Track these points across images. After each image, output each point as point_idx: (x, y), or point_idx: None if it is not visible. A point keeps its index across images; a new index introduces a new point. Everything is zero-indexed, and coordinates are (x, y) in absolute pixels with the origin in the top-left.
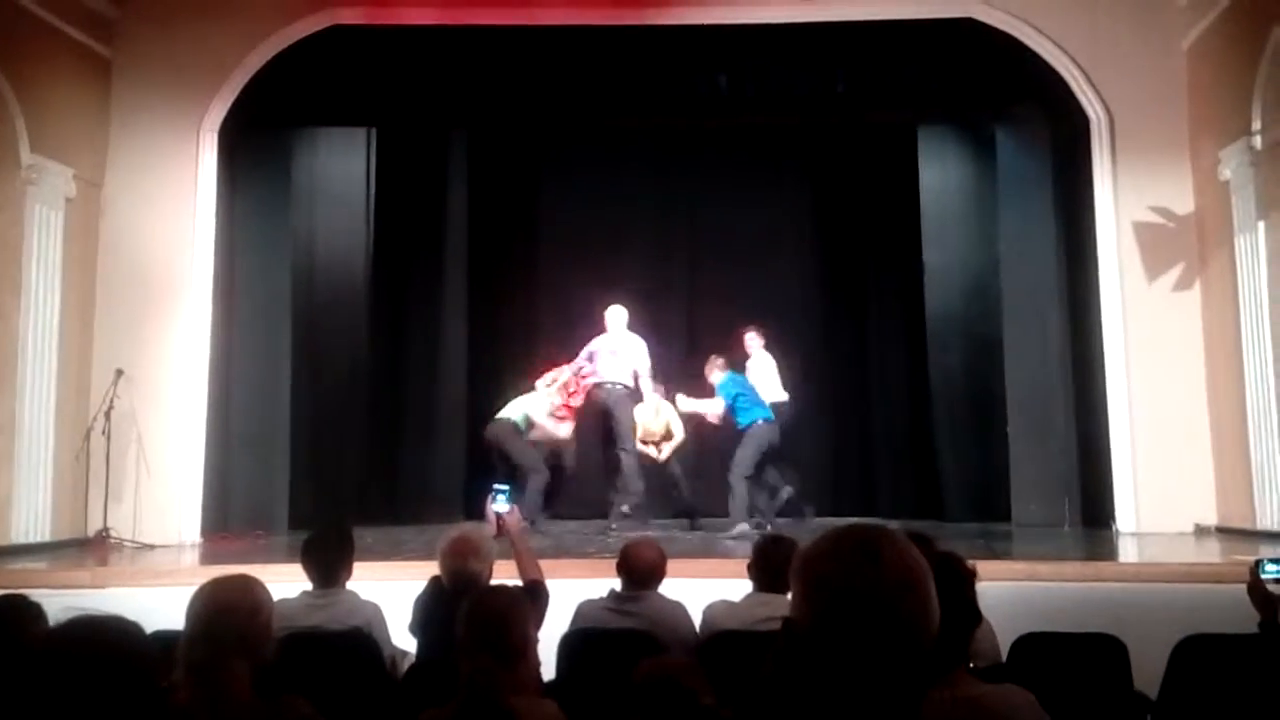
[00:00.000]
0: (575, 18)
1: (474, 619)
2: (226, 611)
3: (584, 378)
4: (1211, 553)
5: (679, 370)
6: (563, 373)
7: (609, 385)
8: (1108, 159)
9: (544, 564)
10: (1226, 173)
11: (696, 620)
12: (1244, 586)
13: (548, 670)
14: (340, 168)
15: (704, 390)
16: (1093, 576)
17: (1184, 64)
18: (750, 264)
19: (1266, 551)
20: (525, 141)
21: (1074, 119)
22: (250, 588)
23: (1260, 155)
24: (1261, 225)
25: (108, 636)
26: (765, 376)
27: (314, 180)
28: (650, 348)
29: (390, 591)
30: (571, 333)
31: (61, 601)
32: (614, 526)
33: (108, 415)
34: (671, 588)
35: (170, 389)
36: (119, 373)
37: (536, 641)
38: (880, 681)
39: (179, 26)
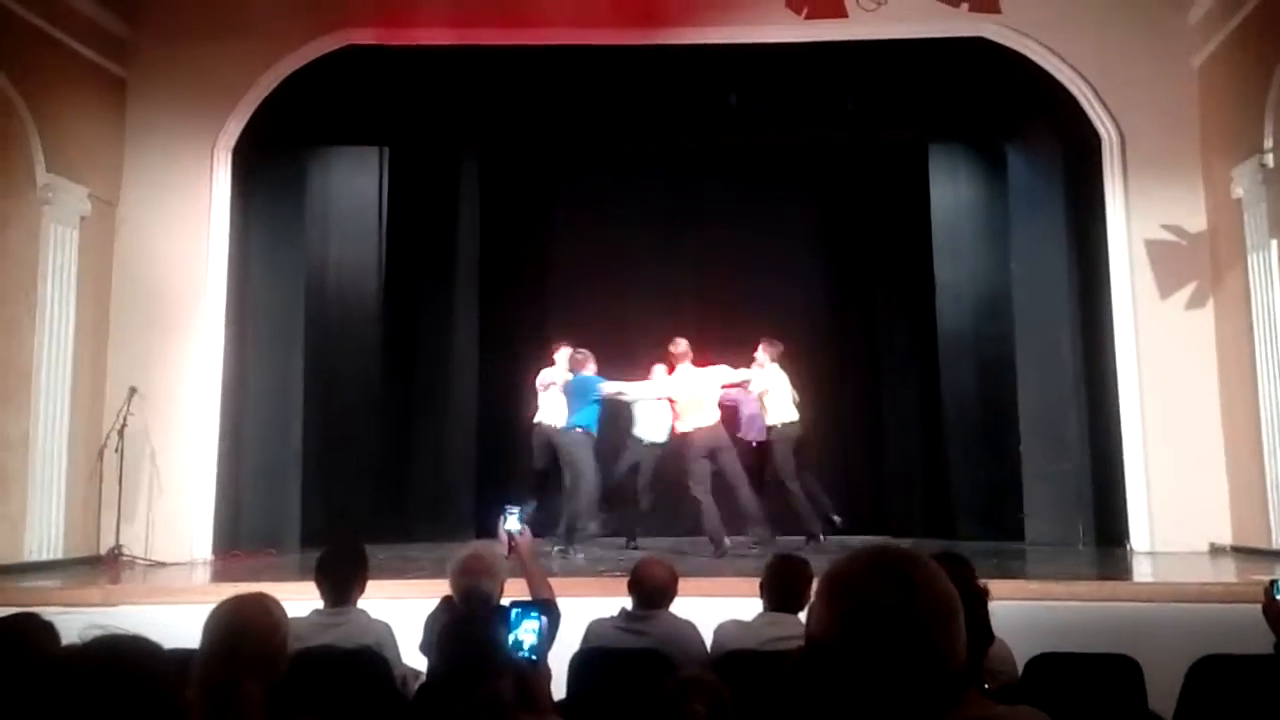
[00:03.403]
0: (586, 38)
1: (442, 651)
2: (245, 631)
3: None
4: (1226, 572)
5: None
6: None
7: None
8: (1119, 177)
9: (555, 583)
10: (1239, 190)
11: (707, 640)
12: (1259, 606)
13: (559, 689)
14: (353, 187)
15: None
16: (1107, 596)
17: (1195, 82)
18: (760, 282)
19: None
20: (536, 160)
21: (1085, 137)
22: (268, 607)
23: (1272, 173)
24: (1274, 243)
25: (132, 656)
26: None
27: (327, 199)
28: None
29: (401, 610)
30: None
31: (80, 620)
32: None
33: (121, 433)
34: (682, 607)
35: (183, 406)
36: (133, 390)
37: (546, 660)
38: (902, 706)
39: (193, 46)
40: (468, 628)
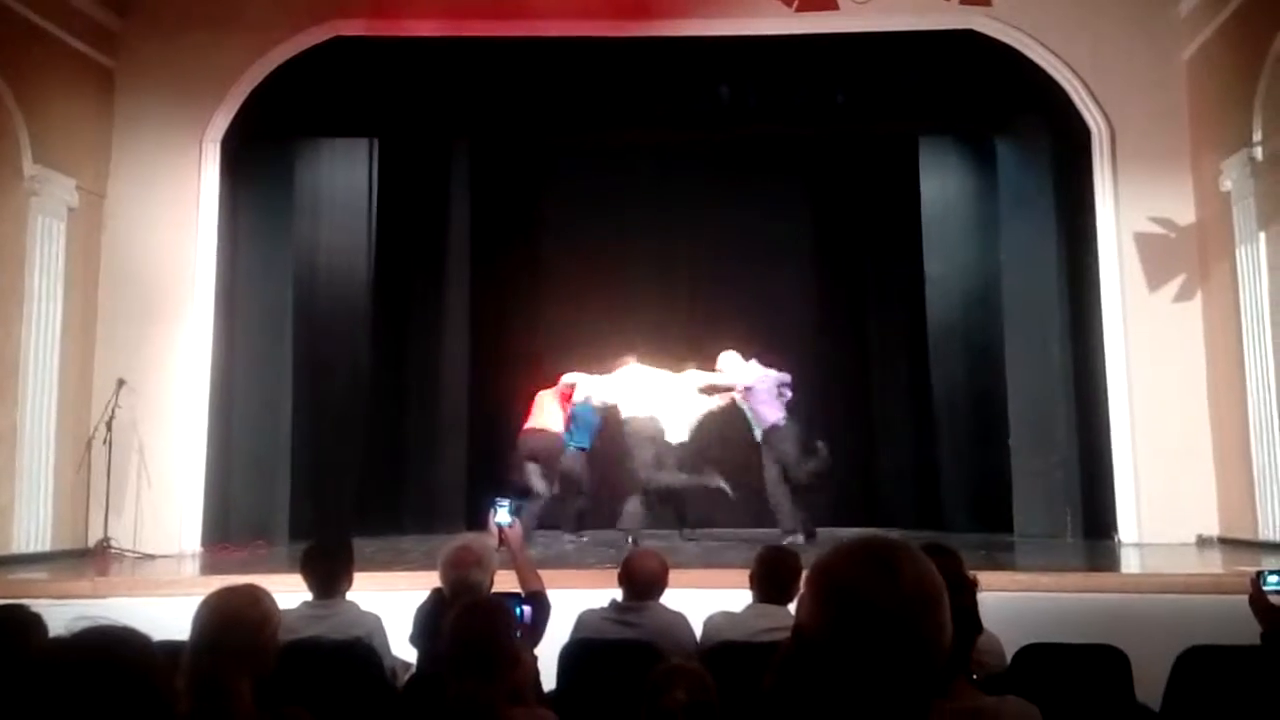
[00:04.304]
0: (577, 29)
1: (458, 636)
2: (233, 623)
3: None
4: (1213, 564)
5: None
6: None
7: None
8: (1109, 170)
9: (545, 574)
10: (1227, 184)
11: (698, 631)
12: (1246, 598)
13: (548, 680)
14: (343, 179)
15: None
16: (1095, 587)
17: (1184, 75)
18: (752, 274)
19: (1268, 563)
20: (527, 152)
21: (1075, 130)
22: (258, 599)
23: (1261, 166)
24: (1262, 236)
25: (122, 648)
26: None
27: (316, 191)
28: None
29: (391, 602)
30: (574, 343)
31: (68, 612)
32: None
33: (109, 425)
34: (672, 598)
35: (172, 399)
36: (120, 383)
37: (534, 652)
38: (889, 695)
39: (182, 38)
40: (480, 615)
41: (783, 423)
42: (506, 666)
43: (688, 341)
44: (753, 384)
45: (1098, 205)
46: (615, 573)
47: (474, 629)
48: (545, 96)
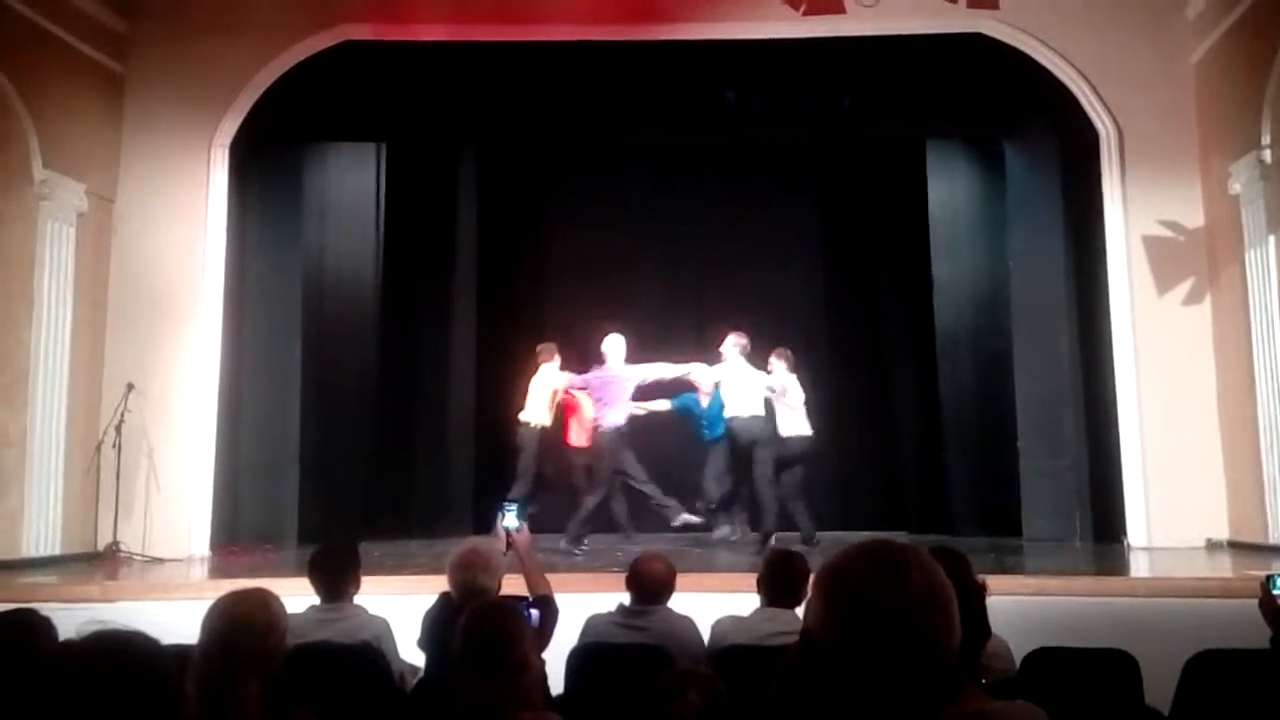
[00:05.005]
0: (584, 34)
1: (470, 638)
2: (242, 626)
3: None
4: (1223, 568)
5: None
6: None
7: None
8: (1117, 173)
9: (553, 578)
10: (1236, 187)
11: (705, 635)
12: (1256, 601)
13: (556, 684)
14: (351, 183)
15: None
16: (1104, 591)
17: (1193, 78)
18: (759, 278)
19: (1278, 567)
20: (534, 156)
21: (1083, 133)
22: (267, 603)
23: (1270, 169)
24: (1272, 239)
25: (130, 652)
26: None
27: (325, 196)
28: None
29: (399, 606)
30: (581, 348)
31: (78, 616)
32: None
33: (118, 429)
34: (680, 602)
35: (181, 403)
36: (130, 387)
37: (542, 655)
38: (899, 698)
39: (191, 43)
40: (492, 617)
41: (613, 428)
42: (518, 669)
43: (694, 346)
44: (586, 383)
45: (1106, 208)
46: (623, 576)
47: (487, 631)
48: (552, 101)
